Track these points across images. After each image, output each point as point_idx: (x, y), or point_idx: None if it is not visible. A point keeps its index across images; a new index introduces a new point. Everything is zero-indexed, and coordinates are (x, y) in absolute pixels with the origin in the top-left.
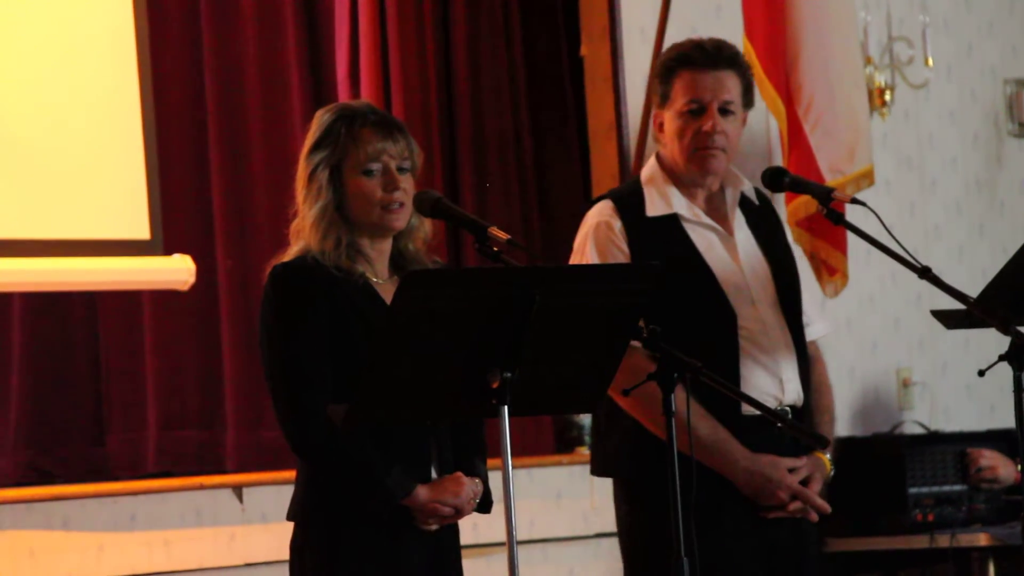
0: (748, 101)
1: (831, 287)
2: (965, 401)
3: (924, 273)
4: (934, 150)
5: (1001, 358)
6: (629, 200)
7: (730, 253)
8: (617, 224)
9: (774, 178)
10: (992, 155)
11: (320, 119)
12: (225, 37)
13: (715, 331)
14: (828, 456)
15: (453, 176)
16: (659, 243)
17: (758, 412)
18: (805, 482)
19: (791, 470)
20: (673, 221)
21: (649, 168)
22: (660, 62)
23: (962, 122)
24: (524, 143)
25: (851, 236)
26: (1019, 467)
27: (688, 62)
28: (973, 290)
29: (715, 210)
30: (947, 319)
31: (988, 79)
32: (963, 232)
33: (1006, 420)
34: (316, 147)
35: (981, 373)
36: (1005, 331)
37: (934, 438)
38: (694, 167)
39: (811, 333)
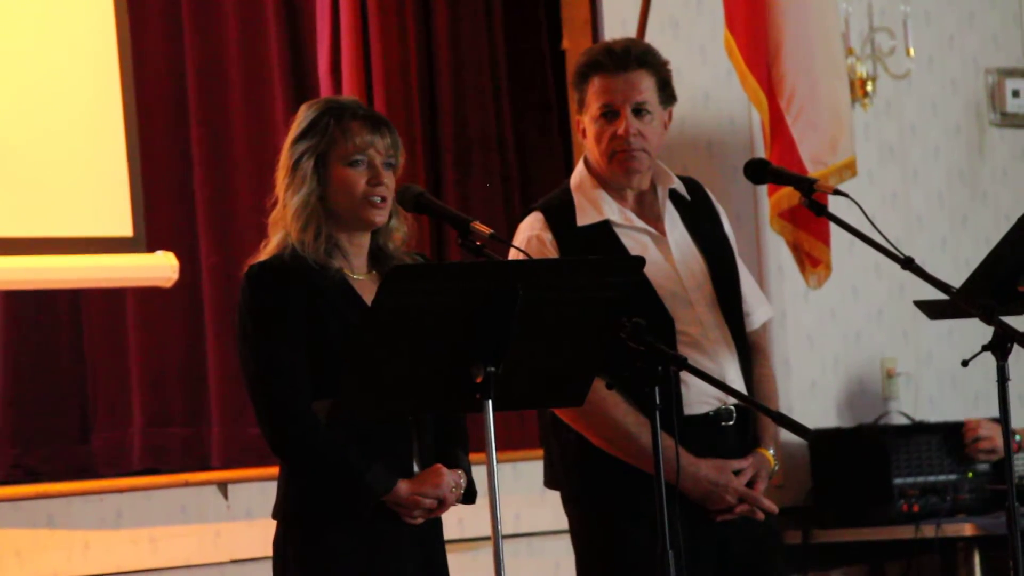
0: (667, 98)
1: (814, 278)
2: (950, 391)
3: (907, 264)
4: (916, 141)
5: (984, 348)
6: (559, 210)
7: (664, 255)
8: (548, 237)
9: (756, 170)
10: (974, 145)
11: (306, 111)
12: (207, 34)
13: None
14: (771, 452)
15: (435, 171)
16: (592, 252)
17: (701, 412)
18: (751, 482)
19: (736, 472)
20: (605, 228)
21: (577, 174)
22: (574, 69)
23: (944, 112)
24: (506, 137)
25: (834, 227)
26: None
27: (598, 67)
28: (956, 280)
29: (647, 210)
30: (930, 309)
31: (970, 69)
32: (946, 222)
33: (990, 410)
34: (302, 136)
35: (965, 363)
36: (988, 321)
37: (919, 428)
38: (616, 170)
39: (752, 323)
